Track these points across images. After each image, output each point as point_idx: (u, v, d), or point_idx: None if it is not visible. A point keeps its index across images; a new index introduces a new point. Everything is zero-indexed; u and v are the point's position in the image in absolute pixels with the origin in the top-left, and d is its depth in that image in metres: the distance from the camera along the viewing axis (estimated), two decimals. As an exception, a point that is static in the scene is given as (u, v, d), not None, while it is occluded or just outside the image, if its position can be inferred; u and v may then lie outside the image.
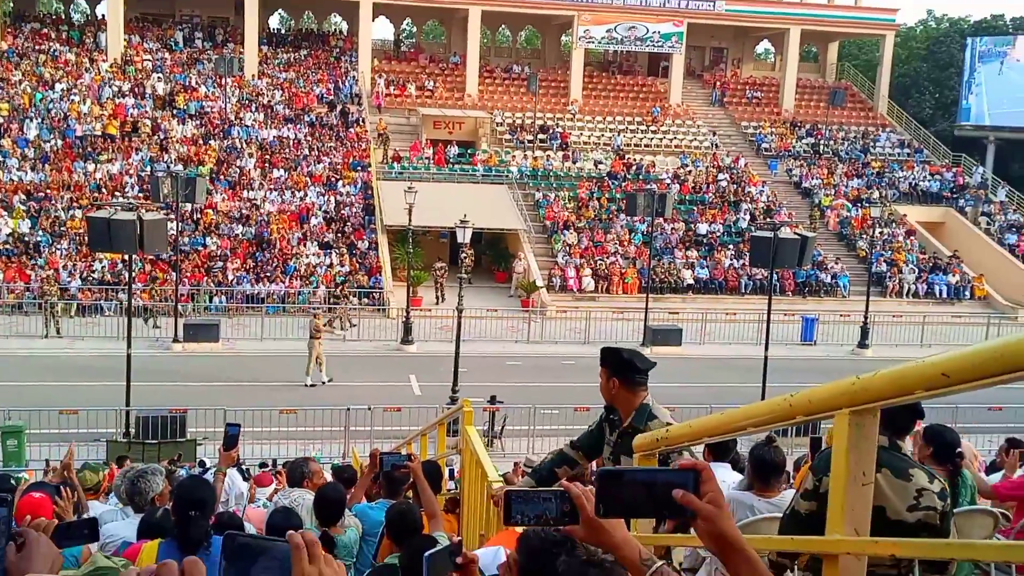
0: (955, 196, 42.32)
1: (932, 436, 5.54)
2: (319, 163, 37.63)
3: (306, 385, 23.46)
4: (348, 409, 19.22)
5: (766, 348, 22.57)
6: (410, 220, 28.17)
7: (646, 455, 3.21)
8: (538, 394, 22.30)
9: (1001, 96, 48.51)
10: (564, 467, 4.85)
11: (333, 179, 36.85)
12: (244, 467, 13.81)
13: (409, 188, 28.53)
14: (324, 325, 26.55)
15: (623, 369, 4.37)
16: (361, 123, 40.75)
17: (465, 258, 28.05)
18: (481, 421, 20.46)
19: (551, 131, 42.36)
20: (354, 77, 43.56)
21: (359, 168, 37.58)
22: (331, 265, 32.41)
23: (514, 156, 40.50)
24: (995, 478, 7.41)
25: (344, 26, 50.13)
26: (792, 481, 7.12)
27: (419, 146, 40.11)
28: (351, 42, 46.13)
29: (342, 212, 35.29)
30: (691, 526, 1.74)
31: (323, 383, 23.74)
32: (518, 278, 33.95)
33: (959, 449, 5.50)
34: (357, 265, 32.69)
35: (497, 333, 29.60)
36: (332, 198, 35.84)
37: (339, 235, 34.11)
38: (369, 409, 19.17)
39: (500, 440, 20.22)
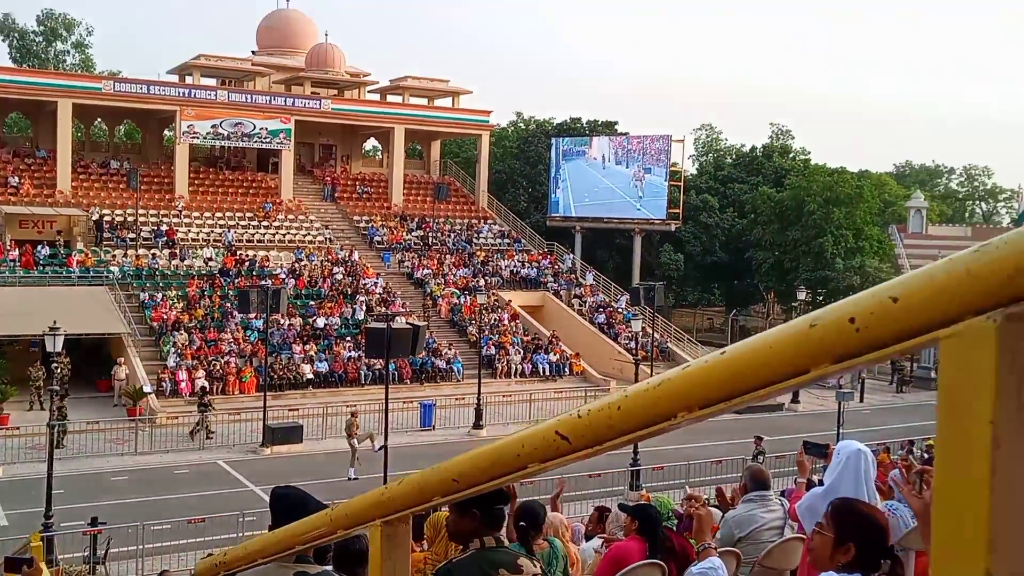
0: (550, 281, 46.13)
1: (521, 512, 5.81)
2: None
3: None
4: (-88, 554, 16.51)
5: (385, 437, 22.74)
6: (-9, 329, 25.26)
7: (208, 582, 2.99)
8: (148, 509, 20.71)
9: (583, 190, 53.99)
10: None
11: None
12: None
13: (-11, 294, 25.66)
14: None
15: None
16: (-70, 223, 36.21)
17: (59, 368, 25.56)
18: (82, 546, 18.56)
19: (156, 228, 40.40)
20: (-80, 172, 38.75)
21: (-72, 273, 33.23)
22: None
23: (114, 255, 38.00)
24: (591, 545, 7.91)
25: (-93, 115, 44.64)
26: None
27: (2, 248, 36.33)
28: (-85, 133, 41.11)
29: (-94, 324, 30.87)
30: None
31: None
32: (121, 385, 31.57)
33: (522, 523, 5.77)
34: (-73, 383, 28.63)
35: (100, 447, 27.18)
36: None
37: (-97, 350, 29.76)
38: (-58, 548, 16.61)
39: (104, 565, 18.38)
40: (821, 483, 6.66)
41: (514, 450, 1.64)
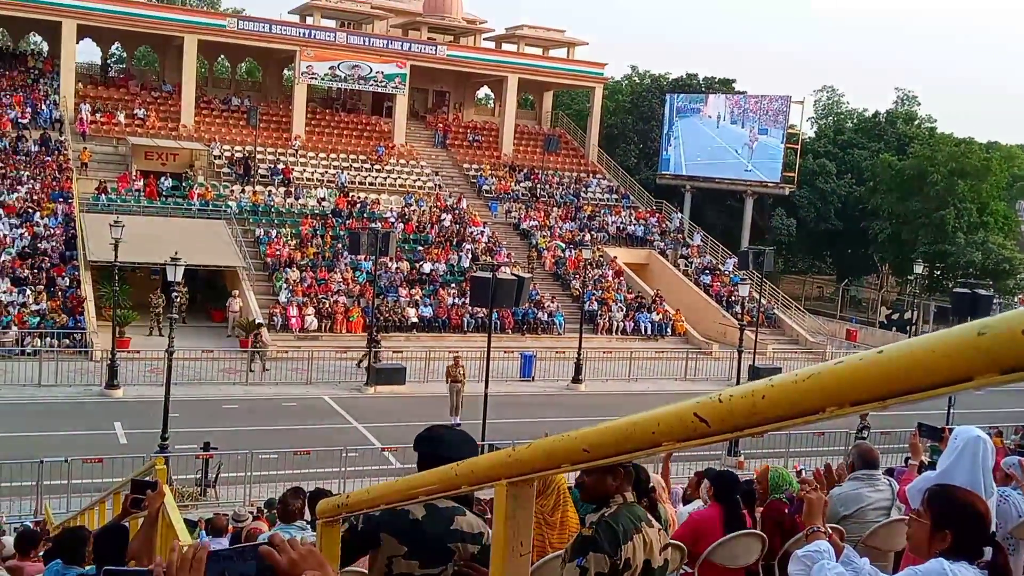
0: (657, 240, 45.65)
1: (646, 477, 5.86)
2: (13, 192, 34.54)
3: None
4: (41, 462, 17.60)
5: (486, 385, 23.04)
6: (116, 256, 26.44)
7: (328, 522, 3.11)
8: (256, 438, 21.54)
9: (696, 149, 52.97)
10: None
11: (30, 210, 33.91)
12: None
13: (116, 222, 26.82)
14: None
15: None
16: (63, 151, 37.90)
17: (178, 297, 26.65)
18: (194, 469, 19.46)
19: (273, 166, 41.46)
20: (55, 101, 40.52)
21: (60, 199, 34.87)
22: (25, 303, 29.69)
23: (232, 191, 39.19)
24: (687, 509, 7.94)
25: (44, 47, 46.58)
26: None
27: (128, 177, 37.85)
28: (51, 64, 42.91)
29: (40, 246, 32.53)
30: None
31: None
32: (234, 317, 32.73)
33: (651, 483, 5.83)
34: (59, 304, 30.17)
35: (213, 375, 28.34)
36: (28, 230, 32.96)
37: (36, 271, 31.38)
38: (66, 461, 17.63)
39: (214, 488, 19.28)
40: (933, 466, 6.50)
41: (649, 427, 1.66)
